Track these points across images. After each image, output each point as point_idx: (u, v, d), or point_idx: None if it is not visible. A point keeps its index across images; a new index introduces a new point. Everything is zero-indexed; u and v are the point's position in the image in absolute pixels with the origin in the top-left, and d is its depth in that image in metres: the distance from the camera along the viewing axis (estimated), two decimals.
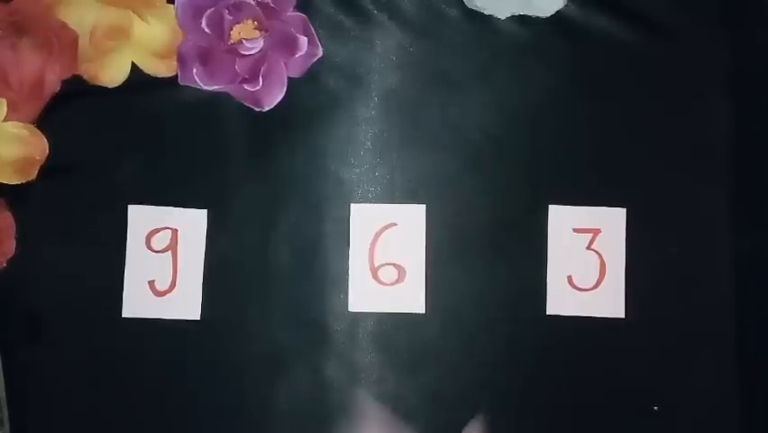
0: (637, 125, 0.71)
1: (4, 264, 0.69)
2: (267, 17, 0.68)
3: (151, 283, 0.70)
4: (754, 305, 0.71)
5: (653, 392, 0.70)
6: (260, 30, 0.69)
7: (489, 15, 0.71)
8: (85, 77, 0.69)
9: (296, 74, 0.69)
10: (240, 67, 0.69)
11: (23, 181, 0.69)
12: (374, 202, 0.70)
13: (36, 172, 0.69)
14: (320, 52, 0.69)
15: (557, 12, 0.71)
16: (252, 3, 0.68)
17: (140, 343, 0.69)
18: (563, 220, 0.70)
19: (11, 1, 0.68)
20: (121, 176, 0.70)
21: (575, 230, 0.70)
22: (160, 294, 0.70)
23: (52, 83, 0.68)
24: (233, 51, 0.68)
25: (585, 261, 0.70)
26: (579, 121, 0.71)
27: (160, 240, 0.70)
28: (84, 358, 0.69)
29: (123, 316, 0.69)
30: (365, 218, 0.70)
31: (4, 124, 0.68)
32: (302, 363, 0.69)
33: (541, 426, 0.70)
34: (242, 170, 0.70)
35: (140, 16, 0.68)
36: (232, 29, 0.68)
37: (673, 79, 0.71)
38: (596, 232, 0.70)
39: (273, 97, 0.69)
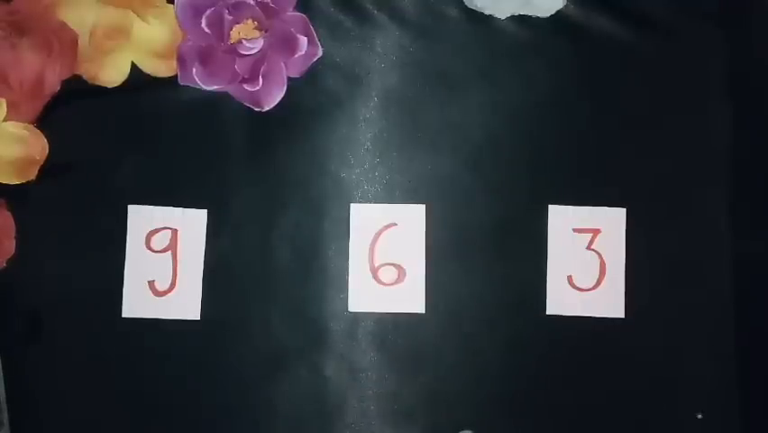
0: (637, 125, 0.71)
1: (4, 264, 0.69)
2: (267, 17, 0.68)
3: (151, 283, 0.70)
4: (754, 305, 0.71)
5: (653, 392, 0.70)
6: (260, 30, 0.69)
7: (489, 15, 0.71)
8: (85, 77, 0.69)
9: (296, 74, 0.69)
10: (240, 67, 0.69)
11: (23, 181, 0.69)
12: (374, 202, 0.70)
13: (36, 172, 0.69)
14: (320, 52, 0.69)
15: (557, 12, 0.71)
16: (252, 3, 0.68)
17: (140, 343, 0.70)
18: (563, 220, 0.70)
19: (11, 1, 0.68)
20: (121, 176, 0.70)
21: (575, 230, 0.70)
22: (159, 294, 0.70)
23: (52, 83, 0.68)
24: (233, 51, 0.68)
25: (585, 261, 0.70)
26: (579, 121, 0.71)
27: (160, 240, 0.70)
28: (84, 358, 0.69)
29: (123, 316, 0.70)
30: (365, 218, 0.70)
31: (4, 124, 0.68)
32: (302, 363, 0.69)
33: (541, 426, 0.70)
34: (242, 170, 0.70)
35: (140, 16, 0.68)
36: (231, 29, 0.68)
37: (673, 79, 0.72)
38: (596, 232, 0.70)
39: (273, 97, 0.69)
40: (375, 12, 0.71)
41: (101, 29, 0.69)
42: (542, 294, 0.70)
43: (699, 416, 0.70)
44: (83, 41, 0.69)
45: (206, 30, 0.68)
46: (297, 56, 0.69)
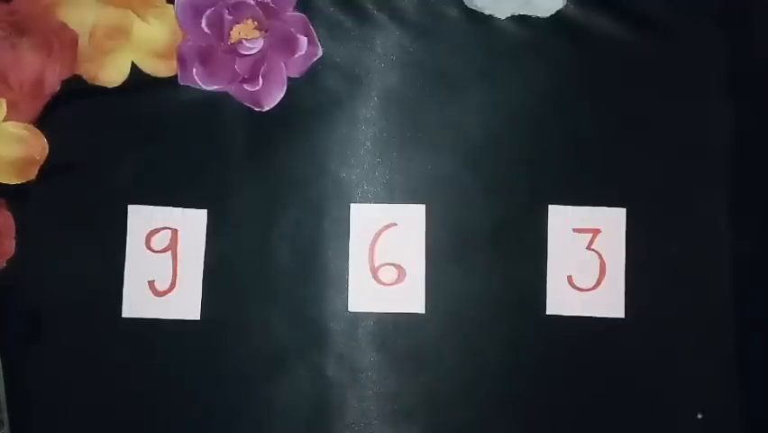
0: (637, 125, 0.71)
1: (4, 264, 0.69)
2: (267, 17, 0.68)
3: (151, 283, 0.70)
4: (754, 305, 0.71)
5: (653, 392, 0.70)
6: (260, 30, 0.69)
7: (489, 15, 0.71)
8: (85, 77, 0.69)
9: (296, 74, 0.69)
10: (240, 67, 0.69)
11: (23, 181, 0.69)
12: (374, 202, 0.70)
13: (36, 172, 0.69)
14: (320, 52, 0.69)
15: (557, 12, 0.71)
16: (252, 3, 0.68)
17: (140, 343, 0.70)
18: (563, 220, 0.70)
19: (11, 1, 0.68)
20: (121, 176, 0.70)
21: (575, 230, 0.70)
22: (160, 294, 0.70)
23: (52, 83, 0.68)
24: (233, 51, 0.68)
25: (585, 261, 0.70)
26: (579, 121, 0.71)
27: (160, 240, 0.70)
28: (84, 358, 0.69)
29: (123, 316, 0.69)
30: (365, 218, 0.70)
31: (4, 124, 0.68)
32: (302, 363, 0.69)
33: (541, 426, 0.70)
34: (242, 170, 0.70)
35: (140, 16, 0.68)
36: (232, 29, 0.68)
37: (673, 79, 0.72)
38: (596, 232, 0.70)
39: (273, 97, 0.69)
40: (375, 12, 0.71)
41: (101, 29, 0.69)
42: (542, 294, 0.70)
43: (700, 416, 0.69)
44: (83, 41, 0.69)
45: (206, 30, 0.68)
46: (297, 56, 0.69)
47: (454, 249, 0.70)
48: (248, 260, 0.70)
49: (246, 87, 0.69)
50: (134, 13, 0.68)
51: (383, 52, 0.71)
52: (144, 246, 0.70)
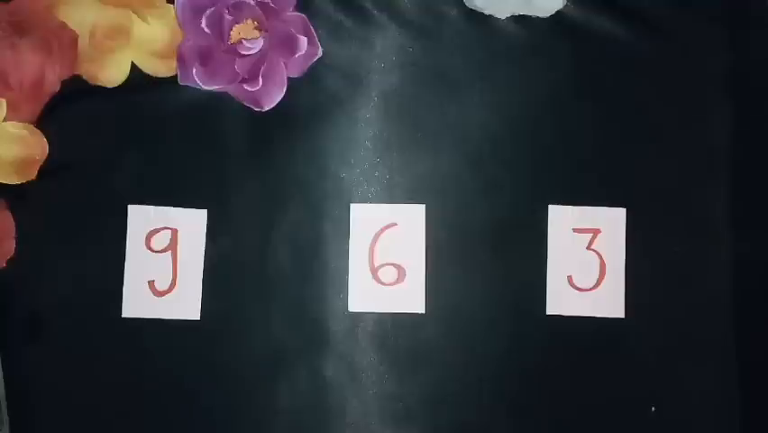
0: (637, 125, 0.71)
1: (4, 264, 0.69)
2: (267, 17, 0.68)
3: (151, 283, 0.70)
4: (754, 305, 0.71)
5: (653, 392, 0.70)
6: (260, 30, 0.69)
7: (489, 15, 0.71)
8: (85, 77, 0.69)
9: (295, 74, 0.69)
10: (240, 67, 0.69)
11: (23, 181, 0.69)
12: (374, 202, 0.70)
13: (36, 172, 0.69)
14: (320, 52, 0.69)
15: (557, 12, 0.71)
16: (252, 3, 0.68)
17: (140, 343, 0.70)
18: (563, 220, 0.70)
19: (11, 1, 0.68)
20: (121, 176, 0.70)
21: (575, 230, 0.70)
22: (159, 294, 0.70)
23: (52, 83, 0.68)
24: (233, 51, 0.68)
25: (585, 261, 0.70)
26: (579, 121, 0.71)
27: (160, 240, 0.70)
28: (84, 358, 0.70)
29: (123, 316, 0.69)
30: (365, 218, 0.70)
31: (4, 124, 0.68)
32: (302, 363, 0.69)
33: (541, 426, 0.70)
34: (242, 171, 0.70)
35: (140, 16, 0.69)
36: (231, 29, 0.68)
37: (673, 79, 0.72)
38: (596, 232, 0.70)
39: (273, 97, 0.69)
40: (375, 12, 0.71)
41: (101, 29, 0.69)
42: (542, 294, 0.70)
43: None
44: (83, 41, 0.69)
45: (206, 30, 0.68)
46: (297, 56, 0.69)
47: (454, 249, 0.70)
48: (248, 260, 0.70)
49: (246, 87, 0.69)
50: (134, 13, 0.68)
51: (383, 52, 0.71)
52: (144, 246, 0.70)
